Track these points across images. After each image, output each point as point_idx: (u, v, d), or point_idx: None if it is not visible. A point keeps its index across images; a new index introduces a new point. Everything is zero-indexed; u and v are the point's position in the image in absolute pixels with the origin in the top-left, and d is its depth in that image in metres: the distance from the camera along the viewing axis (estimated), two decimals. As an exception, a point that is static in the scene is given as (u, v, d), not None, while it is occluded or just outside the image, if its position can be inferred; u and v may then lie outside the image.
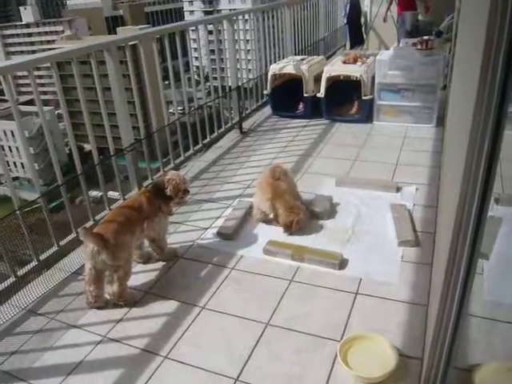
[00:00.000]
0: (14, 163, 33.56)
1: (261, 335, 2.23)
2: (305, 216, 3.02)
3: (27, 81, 2.86)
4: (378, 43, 8.27)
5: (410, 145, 4.35)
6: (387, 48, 7.05)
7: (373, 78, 4.89)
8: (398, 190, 3.47)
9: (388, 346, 2.06)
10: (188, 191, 2.84)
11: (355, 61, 5.11)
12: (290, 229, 2.99)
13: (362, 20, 8.47)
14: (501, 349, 2.14)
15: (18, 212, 2.63)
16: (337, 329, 2.23)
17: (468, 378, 1.81)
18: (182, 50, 4.01)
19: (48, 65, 2.87)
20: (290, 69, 5.25)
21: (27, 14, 59.15)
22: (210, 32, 4.67)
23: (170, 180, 2.71)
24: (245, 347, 2.17)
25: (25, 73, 2.67)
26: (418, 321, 2.24)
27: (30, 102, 29.88)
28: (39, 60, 2.85)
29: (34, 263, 2.80)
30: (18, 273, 2.71)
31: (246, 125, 5.18)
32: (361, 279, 2.56)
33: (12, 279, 2.68)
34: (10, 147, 33.01)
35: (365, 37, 8.39)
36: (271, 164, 4.06)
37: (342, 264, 2.67)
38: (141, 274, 2.74)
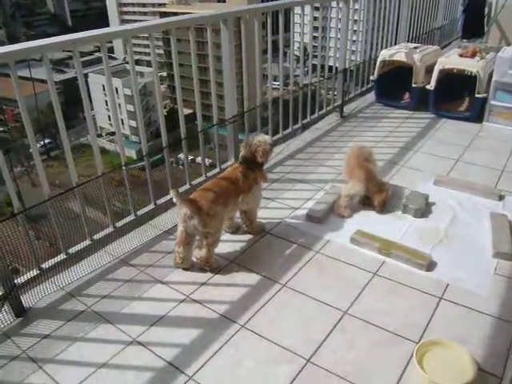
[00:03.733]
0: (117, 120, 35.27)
1: (337, 322, 2.24)
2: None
3: (135, 41, 3.00)
4: (500, 38, 7.71)
5: (521, 152, 4.08)
6: (509, 43, 6.57)
7: (490, 76, 4.59)
8: (501, 198, 3.28)
9: (467, 357, 1.99)
10: (273, 146, 2.86)
11: (473, 55, 4.82)
12: (383, 206, 3.10)
13: (486, 10, 7.90)
14: None
15: (123, 168, 2.80)
16: (416, 330, 2.19)
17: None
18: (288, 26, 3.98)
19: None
20: (401, 56, 5.05)
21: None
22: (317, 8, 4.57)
23: (257, 148, 2.72)
24: (320, 331, 2.19)
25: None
26: (503, 337, 2.14)
27: (136, 63, 31.30)
28: (160, 25, 3.00)
29: (131, 217, 2.98)
30: (117, 224, 2.90)
31: (347, 109, 5.09)
32: (448, 284, 2.47)
33: (111, 229, 2.87)
34: (114, 103, 34.69)
35: (486, 29, 7.85)
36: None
37: (430, 266, 2.60)
38: (228, 243, 2.83)
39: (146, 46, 3.09)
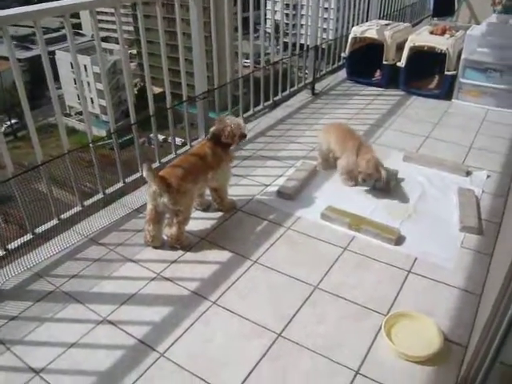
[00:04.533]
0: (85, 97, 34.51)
1: (308, 297, 2.26)
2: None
3: (104, 17, 2.91)
4: (469, 16, 7.77)
5: (488, 129, 4.14)
6: (478, 22, 6.61)
7: (459, 53, 4.63)
8: (468, 174, 3.34)
9: (434, 328, 2.05)
10: (245, 136, 2.83)
11: (443, 32, 4.84)
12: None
13: (457, -11, 7.94)
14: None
15: (91, 145, 2.74)
16: (384, 303, 2.23)
17: (512, 376, 1.77)
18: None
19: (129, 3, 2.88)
20: (372, 33, 5.04)
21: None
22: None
23: (225, 127, 2.71)
24: (291, 306, 2.21)
25: (104, 10, 2.71)
26: (469, 309, 2.20)
27: (104, 40, 30.51)
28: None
29: (100, 195, 2.93)
30: (85, 203, 2.85)
31: (318, 86, 5.07)
32: (416, 258, 2.52)
33: (78, 208, 2.82)
34: (81, 81, 33.86)
35: (456, 7, 7.89)
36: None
37: (399, 240, 2.64)
38: (199, 221, 2.82)
39: (115, 22, 3.00)
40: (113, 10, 2.80)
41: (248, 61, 4.06)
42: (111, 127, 2.90)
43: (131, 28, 37.93)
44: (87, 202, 2.87)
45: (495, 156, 3.64)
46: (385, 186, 3.08)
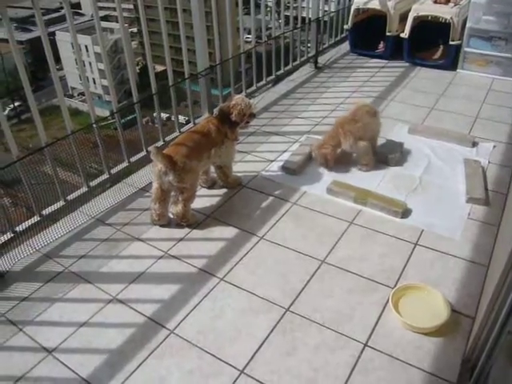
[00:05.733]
0: (87, 78, 34.30)
1: (315, 271, 2.27)
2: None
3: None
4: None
5: (494, 98, 4.09)
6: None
7: (464, 22, 4.54)
8: (474, 144, 3.31)
9: (441, 299, 2.05)
10: (254, 115, 2.82)
11: (448, 1, 4.74)
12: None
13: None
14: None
15: (94, 126, 2.73)
16: (391, 276, 2.24)
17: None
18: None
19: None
20: (375, 4, 4.94)
21: None
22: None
23: (235, 105, 2.69)
24: (298, 280, 2.22)
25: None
26: (476, 280, 2.20)
27: (105, 18, 30.13)
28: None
29: (105, 176, 2.93)
30: (90, 183, 2.85)
31: (321, 60, 5.02)
32: (422, 230, 2.52)
33: (84, 189, 2.82)
34: (83, 62, 33.70)
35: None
36: (343, 103, 3.99)
37: (405, 213, 2.63)
38: (204, 198, 2.82)
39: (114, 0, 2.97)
40: (111, -12, 2.75)
41: (250, 36, 4.00)
42: (113, 107, 2.88)
43: (131, 6, 37.46)
44: (93, 183, 2.87)
45: (501, 126, 3.60)
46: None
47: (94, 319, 2.07)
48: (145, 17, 2.96)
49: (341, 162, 3.09)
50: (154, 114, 3.41)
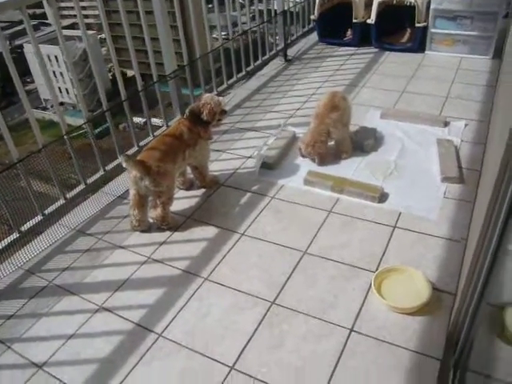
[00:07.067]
0: (59, 88, 33.94)
1: (298, 263, 2.30)
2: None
3: (69, 4, 2.83)
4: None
5: (463, 77, 4.15)
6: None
7: (428, 4, 4.59)
8: (446, 124, 3.36)
9: (422, 279, 2.09)
10: (225, 112, 2.83)
11: (410, -16, 4.79)
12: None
13: None
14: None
15: (65, 137, 2.71)
16: (372, 260, 2.27)
17: (499, 315, 1.82)
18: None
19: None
20: (339, -8, 4.98)
21: None
22: None
23: (205, 104, 2.69)
24: (282, 273, 2.24)
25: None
26: (455, 257, 2.24)
27: (72, 27, 29.74)
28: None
29: (81, 186, 2.91)
30: (67, 195, 2.83)
31: (290, 52, 5.03)
32: (400, 213, 2.55)
33: (62, 201, 2.80)
34: (54, 72, 33.25)
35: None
36: (315, 93, 4.01)
37: (382, 197, 2.67)
38: (183, 200, 2.82)
39: (81, 7, 2.91)
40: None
41: (223, 33, 4.00)
42: (84, 117, 2.86)
43: (97, 12, 36.99)
44: (70, 194, 2.85)
45: (472, 104, 3.65)
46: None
47: (82, 330, 2.07)
48: (107, 23, 2.94)
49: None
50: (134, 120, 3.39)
